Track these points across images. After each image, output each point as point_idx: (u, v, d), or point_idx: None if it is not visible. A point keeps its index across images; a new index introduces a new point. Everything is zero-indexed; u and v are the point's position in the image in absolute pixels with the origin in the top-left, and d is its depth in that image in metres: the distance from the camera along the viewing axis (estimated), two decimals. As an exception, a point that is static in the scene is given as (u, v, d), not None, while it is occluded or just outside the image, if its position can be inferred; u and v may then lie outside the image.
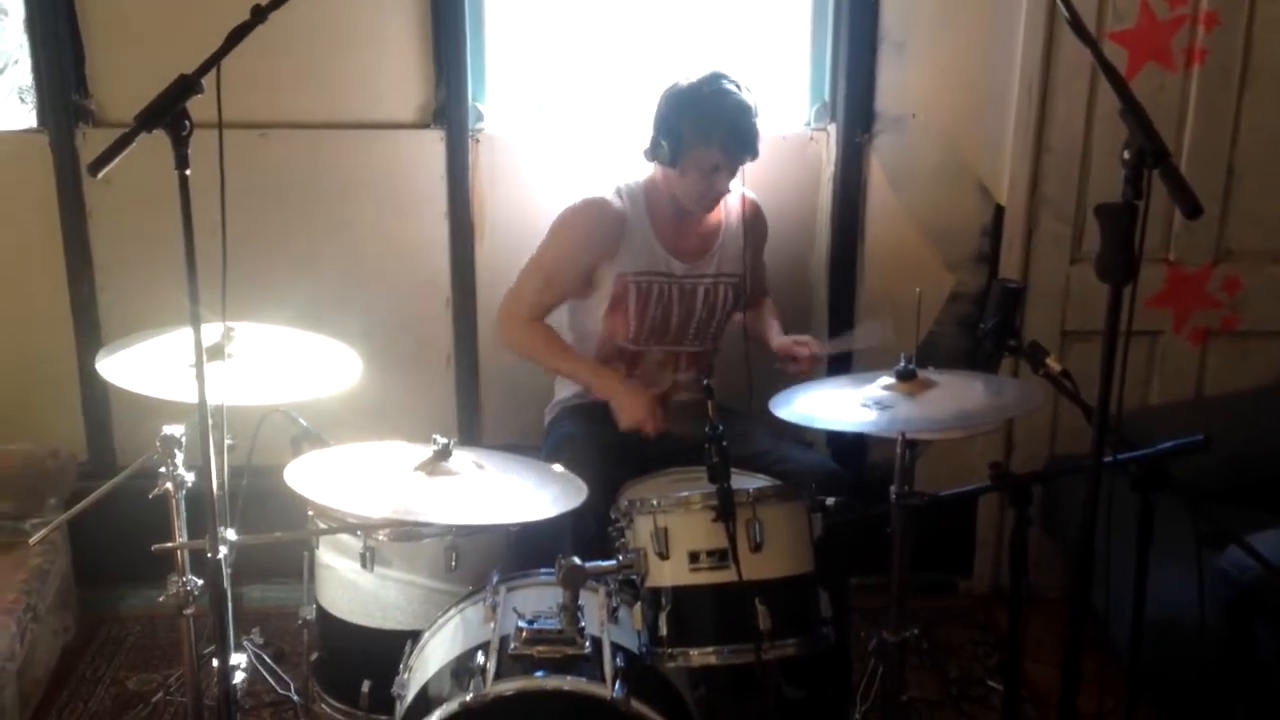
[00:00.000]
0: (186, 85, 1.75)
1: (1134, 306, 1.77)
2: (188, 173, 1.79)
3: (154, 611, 3.36)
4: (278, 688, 2.87)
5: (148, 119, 1.73)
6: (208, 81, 1.79)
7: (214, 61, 1.79)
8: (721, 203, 3.07)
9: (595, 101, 3.49)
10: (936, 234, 3.53)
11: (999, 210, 3.49)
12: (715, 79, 2.87)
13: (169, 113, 1.73)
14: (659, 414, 2.84)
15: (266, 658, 2.94)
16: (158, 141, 1.80)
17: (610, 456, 2.82)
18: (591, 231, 2.99)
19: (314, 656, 2.65)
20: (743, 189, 3.11)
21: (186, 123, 1.76)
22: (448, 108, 3.37)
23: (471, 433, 3.60)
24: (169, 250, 1.83)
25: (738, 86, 2.87)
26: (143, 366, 2.40)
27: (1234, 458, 3.29)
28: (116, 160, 1.73)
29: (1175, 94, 3.39)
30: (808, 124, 3.51)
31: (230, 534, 2.09)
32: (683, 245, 3.05)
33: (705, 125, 2.84)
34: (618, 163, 3.09)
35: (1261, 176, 3.47)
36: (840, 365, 3.47)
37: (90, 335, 3.43)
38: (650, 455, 2.83)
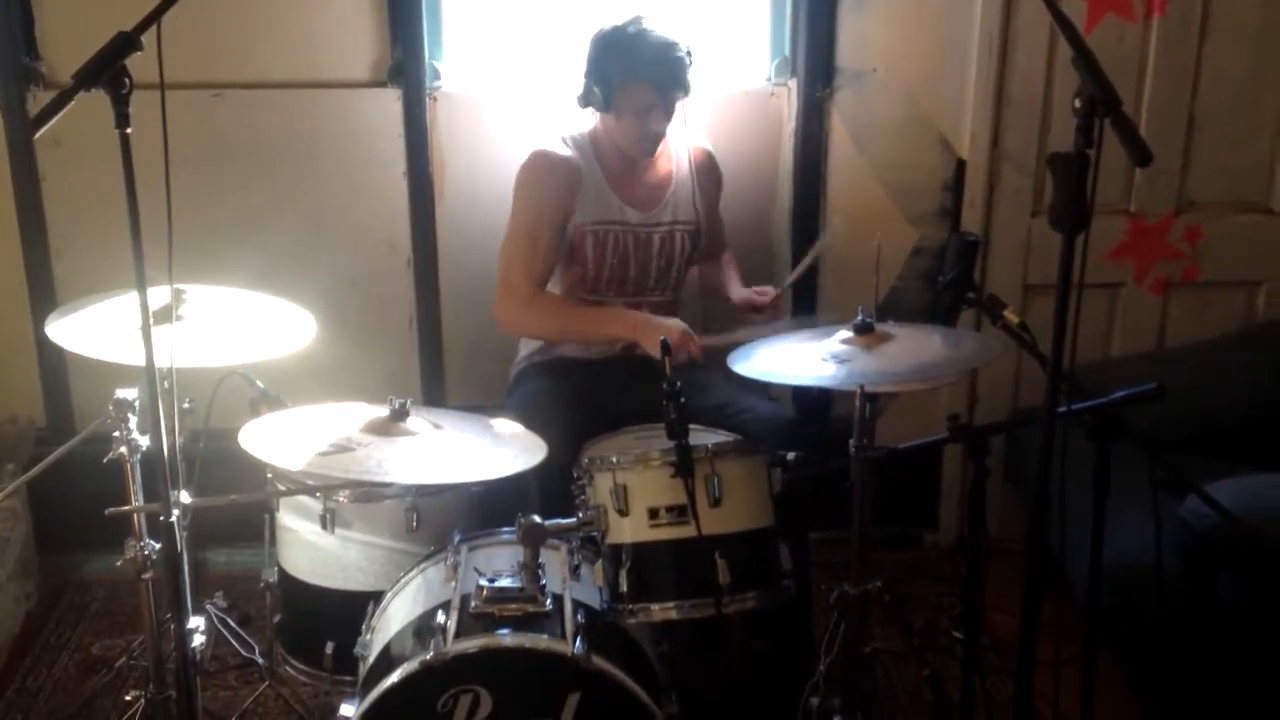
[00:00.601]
0: (126, 42, 1.71)
1: (1086, 256, 1.77)
2: (129, 131, 1.76)
3: (117, 576, 3.30)
4: (242, 651, 2.86)
5: (86, 77, 1.69)
6: (149, 39, 1.76)
7: (155, 17, 1.75)
8: (672, 151, 3.08)
9: (553, 59, 3.45)
10: (899, 189, 3.52)
11: (960, 164, 3.48)
12: (638, 19, 2.88)
13: (108, 70, 1.69)
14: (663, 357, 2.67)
15: (231, 621, 2.93)
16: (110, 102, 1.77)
17: (574, 411, 2.81)
18: (553, 178, 2.97)
19: (277, 619, 2.64)
20: (692, 135, 3.10)
21: (126, 80, 1.72)
22: (405, 66, 3.33)
23: (435, 393, 3.58)
24: (124, 213, 1.81)
25: (663, 26, 2.87)
26: (95, 330, 2.37)
27: (1197, 408, 3.32)
28: (55, 119, 1.70)
29: (1135, 45, 3.39)
30: (768, 80, 3.49)
31: (185, 496, 2.08)
32: (635, 194, 3.04)
33: (631, 62, 2.85)
34: (576, 119, 3.07)
35: (1222, 127, 3.48)
36: (805, 303, 3.45)
37: (46, 300, 3.38)
38: (614, 410, 2.82)
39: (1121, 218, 3.52)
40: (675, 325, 2.86)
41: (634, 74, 2.85)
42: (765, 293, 3.08)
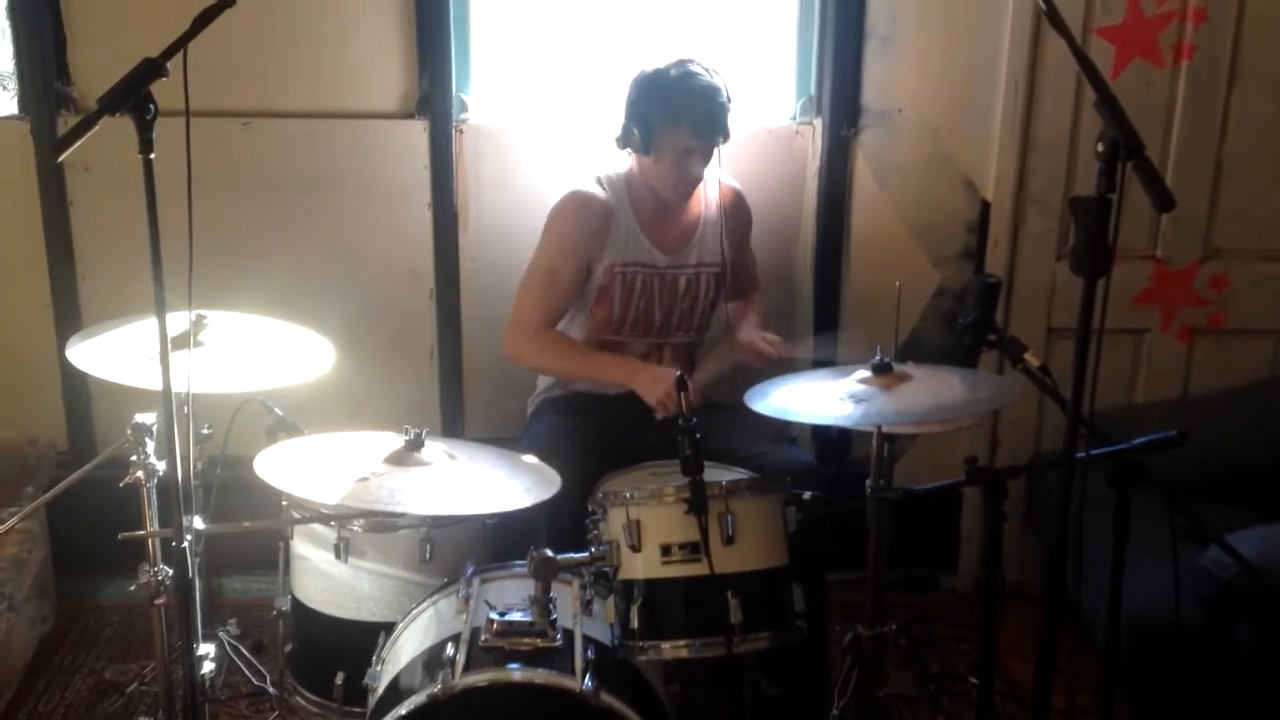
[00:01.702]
0: (151, 69, 1.73)
1: (1108, 301, 1.76)
2: (152, 157, 1.77)
3: (132, 601, 3.33)
4: (253, 679, 2.86)
5: (110, 102, 1.71)
6: (175, 66, 1.78)
7: (180, 45, 1.77)
8: (701, 193, 3.06)
9: (581, 93, 3.47)
10: (922, 229, 3.51)
11: (985, 206, 3.47)
12: (682, 63, 2.88)
13: (132, 96, 1.71)
14: (679, 393, 2.34)
15: (243, 649, 2.93)
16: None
17: (590, 447, 2.80)
18: (583, 222, 2.97)
19: (288, 648, 2.63)
20: (720, 175, 3.10)
21: (151, 106, 1.74)
22: (431, 98, 3.35)
23: (454, 424, 3.59)
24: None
25: (706, 70, 2.87)
26: (116, 354, 2.38)
27: (1221, 456, 3.29)
28: (78, 143, 1.71)
29: (1163, 90, 3.38)
30: (793, 118, 3.50)
31: (198, 522, 2.08)
32: (665, 237, 3.04)
33: (674, 106, 2.84)
34: (603, 154, 3.08)
35: (1249, 173, 3.46)
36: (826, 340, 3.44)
37: (71, 323, 3.40)
38: (630, 447, 2.81)
39: (1147, 263, 3.50)
40: (668, 375, 2.71)
41: (675, 118, 2.85)
42: (772, 342, 3.01)
